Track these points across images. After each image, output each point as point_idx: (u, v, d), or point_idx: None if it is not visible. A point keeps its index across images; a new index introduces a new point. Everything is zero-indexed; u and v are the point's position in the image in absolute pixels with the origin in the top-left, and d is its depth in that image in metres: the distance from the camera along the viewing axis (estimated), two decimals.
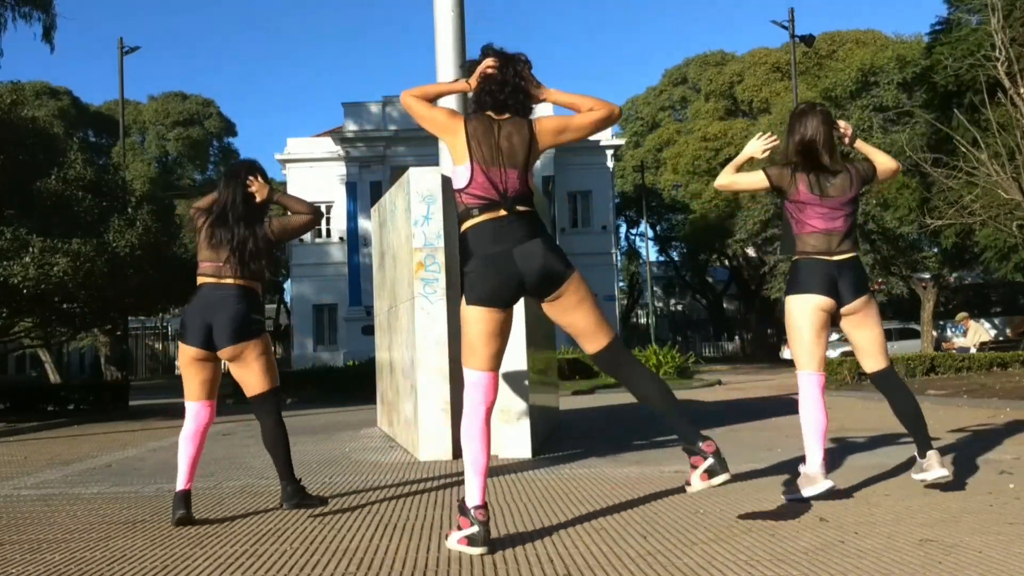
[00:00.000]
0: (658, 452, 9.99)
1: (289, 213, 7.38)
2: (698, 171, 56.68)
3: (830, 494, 6.58)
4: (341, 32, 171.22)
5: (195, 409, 7.01)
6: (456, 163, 5.76)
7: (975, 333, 29.49)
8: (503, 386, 10.04)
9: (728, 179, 7.11)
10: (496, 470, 9.02)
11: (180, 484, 6.85)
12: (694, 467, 5.45)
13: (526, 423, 9.93)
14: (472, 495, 5.47)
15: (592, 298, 5.76)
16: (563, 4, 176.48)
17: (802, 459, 6.83)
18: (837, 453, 9.31)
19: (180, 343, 7.04)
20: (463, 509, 5.48)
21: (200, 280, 7.06)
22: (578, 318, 5.70)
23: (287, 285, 68.96)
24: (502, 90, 5.82)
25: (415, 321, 10.25)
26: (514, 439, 9.99)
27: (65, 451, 13.13)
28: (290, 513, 7.02)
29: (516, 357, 10.02)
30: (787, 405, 16.90)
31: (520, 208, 5.65)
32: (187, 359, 6.97)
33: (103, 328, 30.62)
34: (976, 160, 22.48)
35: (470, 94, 5.99)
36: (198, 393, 7.01)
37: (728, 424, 13.20)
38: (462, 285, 5.70)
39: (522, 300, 9.89)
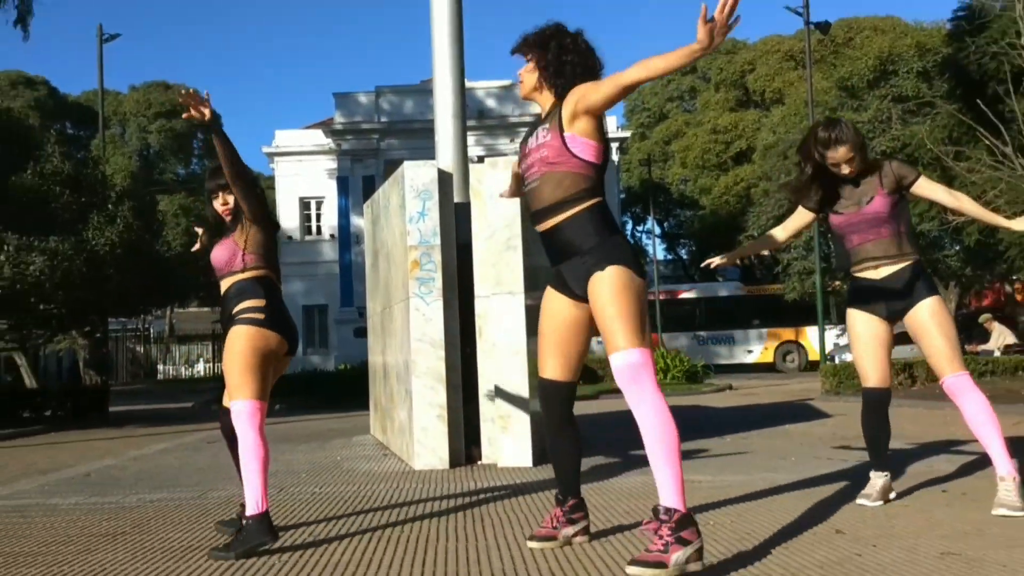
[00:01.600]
0: None
1: None
2: (708, 165, 56.66)
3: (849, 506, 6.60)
4: (332, 19, 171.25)
5: (261, 408, 6.27)
6: (595, 140, 5.54)
7: (999, 335, 29.47)
8: (502, 392, 10.06)
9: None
10: (496, 479, 9.03)
11: (259, 505, 6.04)
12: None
13: (526, 430, 9.93)
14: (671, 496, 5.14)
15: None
16: None
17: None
18: (858, 463, 9.32)
19: (268, 331, 6.38)
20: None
21: (270, 277, 6.67)
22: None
23: None
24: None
25: (410, 323, 10.25)
26: (514, 447, 9.99)
27: (41, 460, 13.14)
28: (279, 524, 6.99)
29: (516, 362, 10.03)
30: (801, 411, 16.89)
31: None
32: (271, 352, 6.39)
33: (82, 330, 30.56)
34: (1000, 153, 22.48)
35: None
36: (265, 391, 6.35)
37: (739, 431, 13.19)
38: (611, 255, 5.41)
39: (523, 309, 9.95)
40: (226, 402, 6.65)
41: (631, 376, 5.24)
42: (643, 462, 9.85)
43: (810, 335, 48.13)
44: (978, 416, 6.61)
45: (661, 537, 4.92)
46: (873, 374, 7.05)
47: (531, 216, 5.76)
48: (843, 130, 6.95)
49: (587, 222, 5.51)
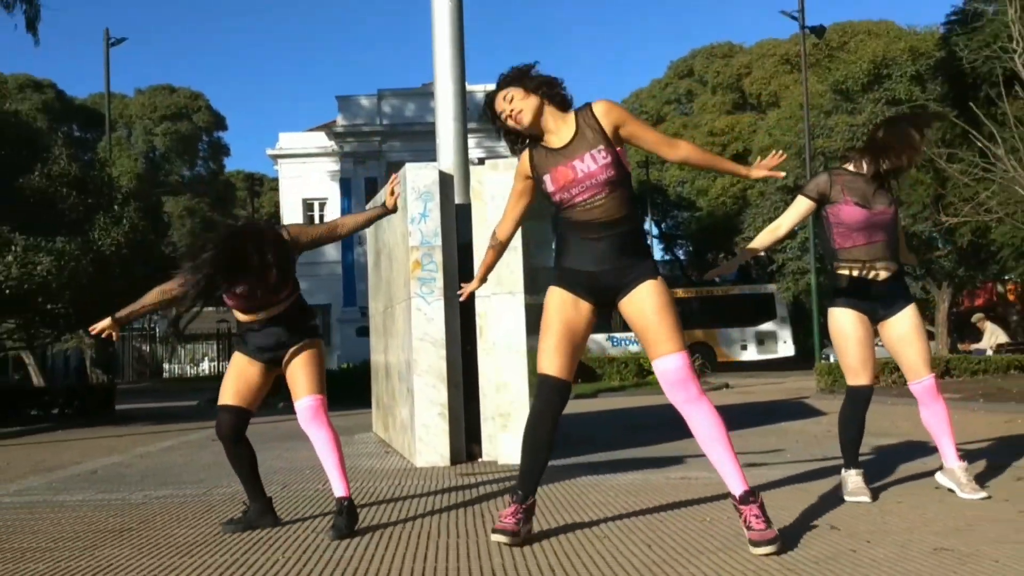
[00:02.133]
0: (663, 458, 9.98)
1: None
2: None
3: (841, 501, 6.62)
4: (334, 23, 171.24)
5: None
6: None
7: (991, 335, 29.49)
8: (503, 390, 10.07)
9: None
10: (495, 477, 9.04)
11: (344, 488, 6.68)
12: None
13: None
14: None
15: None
16: None
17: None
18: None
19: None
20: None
21: None
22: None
23: None
24: None
25: (411, 322, 10.26)
26: (514, 444, 9.97)
27: (49, 457, 13.13)
28: (283, 520, 7.01)
29: (516, 360, 10.04)
30: (797, 409, 16.90)
31: None
32: None
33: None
34: (992, 155, 22.49)
35: None
36: None
37: (737, 428, 13.17)
38: (655, 267, 5.97)
39: (523, 308, 9.99)
40: (230, 401, 6.89)
41: (686, 376, 5.72)
42: (641, 462, 9.88)
43: (719, 337, 47.85)
44: (941, 416, 7.14)
45: (759, 516, 5.40)
46: (866, 372, 7.11)
47: (589, 227, 5.82)
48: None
49: (641, 236, 5.98)
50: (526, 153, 6.03)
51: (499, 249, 6.50)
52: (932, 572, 4.75)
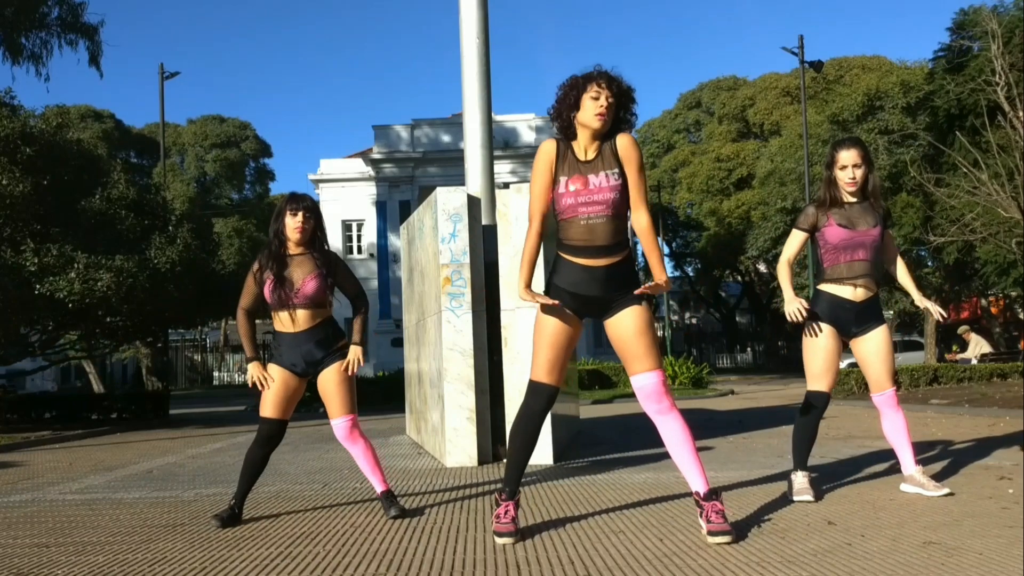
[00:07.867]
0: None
1: None
2: (712, 190, 56.50)
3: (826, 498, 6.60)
4: (372, 57, 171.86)
5: None
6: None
7: (976, 345, 29.41)
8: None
9: None
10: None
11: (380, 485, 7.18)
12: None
13: (547, 430, 9.91)
14: None
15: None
16: (581, 32, 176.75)
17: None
18: (845, 460, 9.30)
19: None
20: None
21: None
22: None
23: None
24: None
25: (442, 334, 10.27)
26: (536, 446, 9.98)
27: (108, 458, 13.16)
28: (324, 517, 7.04)
29: None
30: (796, 414, 16.83)
31: None
32: None
33: (145, 340, 30.61)
34: (977, 180, 22.46)
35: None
36: None
37: (741, 432, 13.17)
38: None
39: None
40: (271, 414, 7.06)
41: (665, 391, 5.90)
42: (653, 462, 9.85)
43: None
44: (900, 426, 7.21)
45: (719, 512, 5.55)
46: (825, 380, 7.20)
47: (587, 251, 5.83)
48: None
49: (632, 268, 5.97)
50: (554, 144, 5.93)
51: (542, 231, 5.96)
52: (921, 564, 4.75)
